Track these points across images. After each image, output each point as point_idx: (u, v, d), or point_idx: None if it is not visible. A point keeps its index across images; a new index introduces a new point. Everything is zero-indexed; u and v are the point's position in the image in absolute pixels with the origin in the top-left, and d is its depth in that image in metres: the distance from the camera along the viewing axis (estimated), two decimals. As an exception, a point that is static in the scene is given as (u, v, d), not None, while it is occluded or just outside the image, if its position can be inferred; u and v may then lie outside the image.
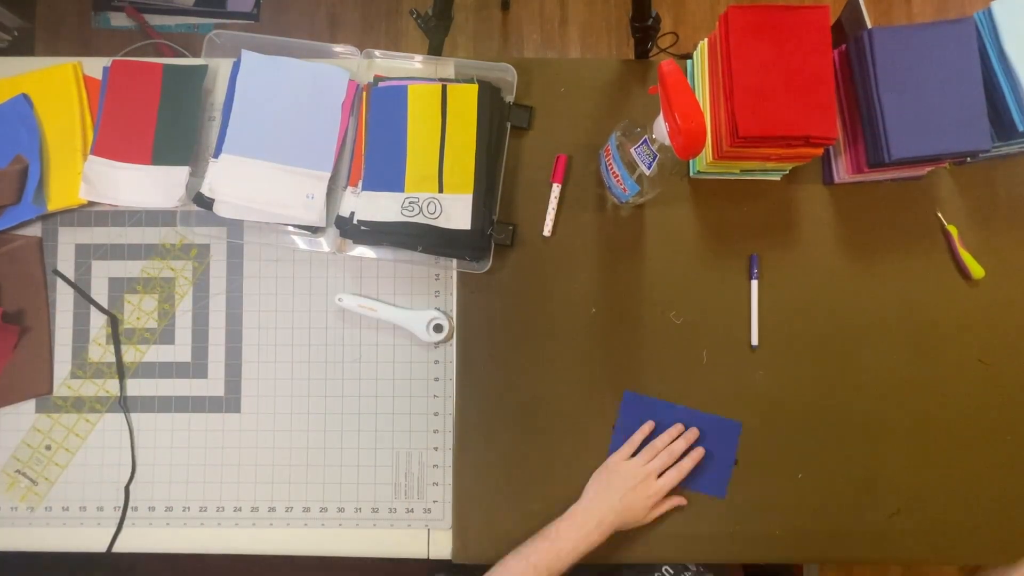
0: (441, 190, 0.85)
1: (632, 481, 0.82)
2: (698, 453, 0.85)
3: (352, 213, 0.86)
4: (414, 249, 0.87)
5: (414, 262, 0.89)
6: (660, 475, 0.83)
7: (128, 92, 0.90)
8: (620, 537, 0.86)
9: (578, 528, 0.80)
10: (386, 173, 0.86)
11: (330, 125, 0.89)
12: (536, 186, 0.90)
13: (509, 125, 0.89)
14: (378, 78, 0.90)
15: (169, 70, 0.90)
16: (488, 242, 0.87)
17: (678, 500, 0.85)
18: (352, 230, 0.86)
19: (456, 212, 0.84)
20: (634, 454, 0.85)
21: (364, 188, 0.86)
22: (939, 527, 0.87)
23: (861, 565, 1.65)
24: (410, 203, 0.84)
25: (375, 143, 0.87)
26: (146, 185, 0.89)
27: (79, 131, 0.90)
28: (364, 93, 0.89)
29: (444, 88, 0.87)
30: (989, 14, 0.80)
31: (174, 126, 0.89)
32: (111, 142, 0.89)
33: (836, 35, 0.84)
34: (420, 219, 0.84)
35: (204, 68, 0.91)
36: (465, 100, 0.86)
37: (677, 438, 0.85)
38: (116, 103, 0.90)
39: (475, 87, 0.86)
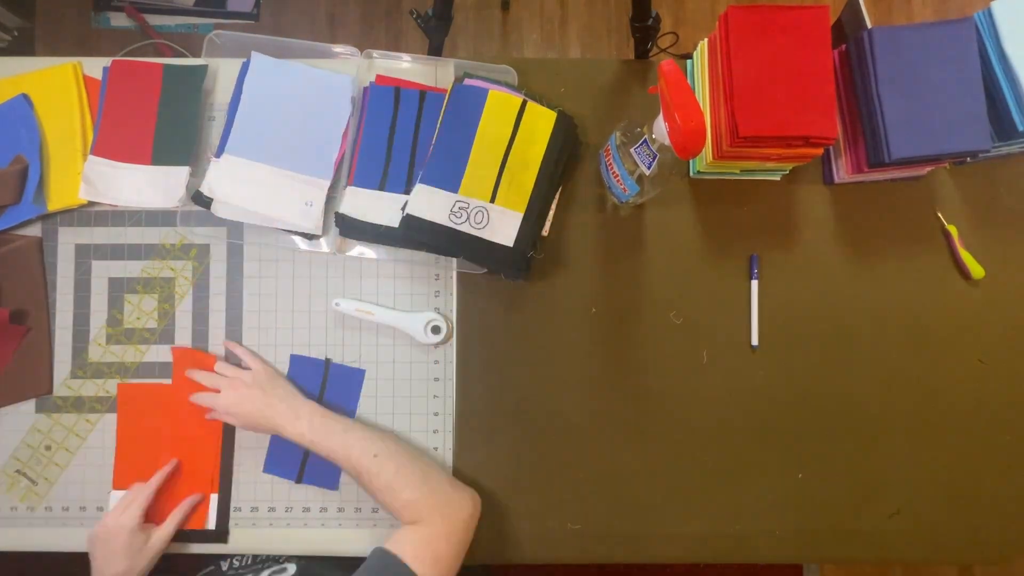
0: (493, 200, 0.84)
1: (107, 539, 0.79)
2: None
3: (345, 212, 0.86)
4: (455, 256, 0.87)
5: (414, 262, 0.89)
6: None
7: (128, 92, 0.90)
8: (620, 537, 0.86)
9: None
10: (447, 170, 0.84)
11: (334, 134, 0.89)
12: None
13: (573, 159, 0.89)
14: (378, 79, 0.90)
15: (169, 70, 0.90)
16: (528, 263, 0.86)
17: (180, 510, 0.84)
18: (406, 222, 0.83)
19: (503, 227, 0.83)
20: None
21: (422, 182, 0.84)
22: (939, 527, 0.87)
23: (861, 565, 1.66)
24: (460, 207, 0.83)
25: (442, 139, 0.85)
26: (146, 185, 0.89)
27: (79, 131, 0.90)
28: (365, 94, 0.89)
29: (524, 103, 0.86)
30: (989, 14, 0.80)
31: (174, 126, 0.89)
32: (111, 142, 0.89)
33: (836, 35, 0.84)
34: (466, 228, 0.82)
35: (204, 68, 0.91)
36: (540, 122, 0.85)
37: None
38: (116, 103, 0.90)
39: (553, 115, 0.86)
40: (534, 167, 0.85)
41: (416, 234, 0.83)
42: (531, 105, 0.86)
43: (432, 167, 0.84)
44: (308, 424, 0.79)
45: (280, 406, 0.81)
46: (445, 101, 0.87)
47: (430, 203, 0.83)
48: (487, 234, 0.83)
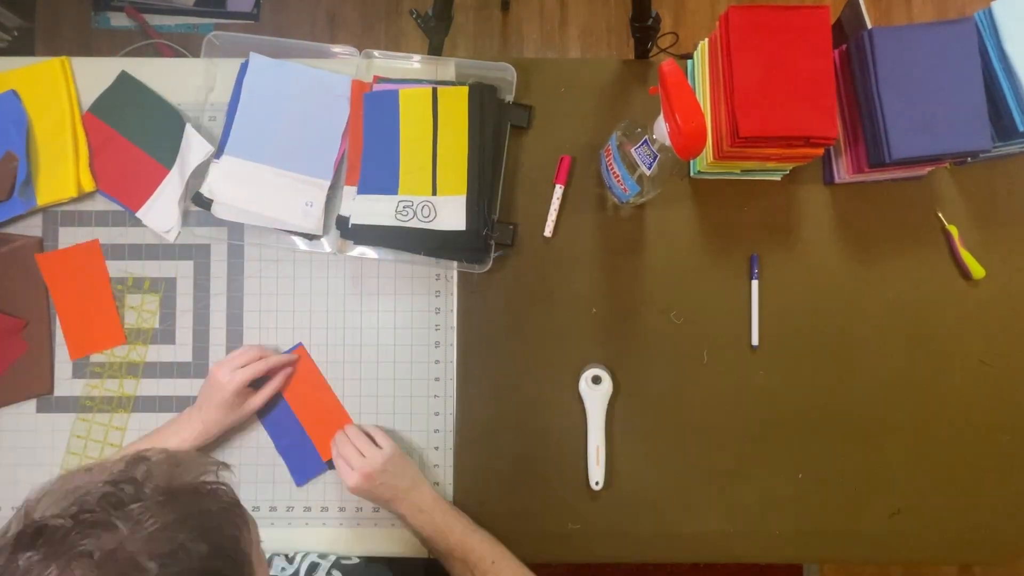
0: (435, 192, 0.85)
1: (213, 389, 0.82)
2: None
3: (347, 216, 0.86)
4: (416, 252, 0.87)
5: (415, 262, 0.89)
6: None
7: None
8: (620, 538, 0.86)
9: (194, 431, 0.82)
10: (380, 177, 0.86)
11: (333, 133, 0.89)
12: (537, 186, 0.90)
13: (509, 125, 0.89)
14: (377, 79, 0.90)
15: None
16: (486, 243, 0.86)
17: (275, 385, 0.86)
18: (352, 232, 0.86)
19: (450, 214, 0.84)
20: None
21: (360, 192, 0.86)
22: (939, 527, 0.87)
23: (861, 565, 1.66)
24: (404, 207, 0.84)
25: (369, 148, 0.87)
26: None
27: (69, 126, 0.90)
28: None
29: (434, 91, 0.87)
30: (989, 14, 0.80)
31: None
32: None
33: (836, 35, 0.84)
34: (415, 223, 0.83)
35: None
36: (456, 102, 0.86)
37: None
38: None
39: (465, 89, 0.86)
40: (464, 147, 0.85)
41: (367, 239, 0.85)
42: (442, 90, 0.87)
43: (366, 177, 0.86)
44: (430, 518, 0.80)
45: (406, 495, 0.81)
46: (361, 111, 0.88)
47: (373, 210, 0.84)
48: (438, 224, 0.84)
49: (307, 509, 0.87)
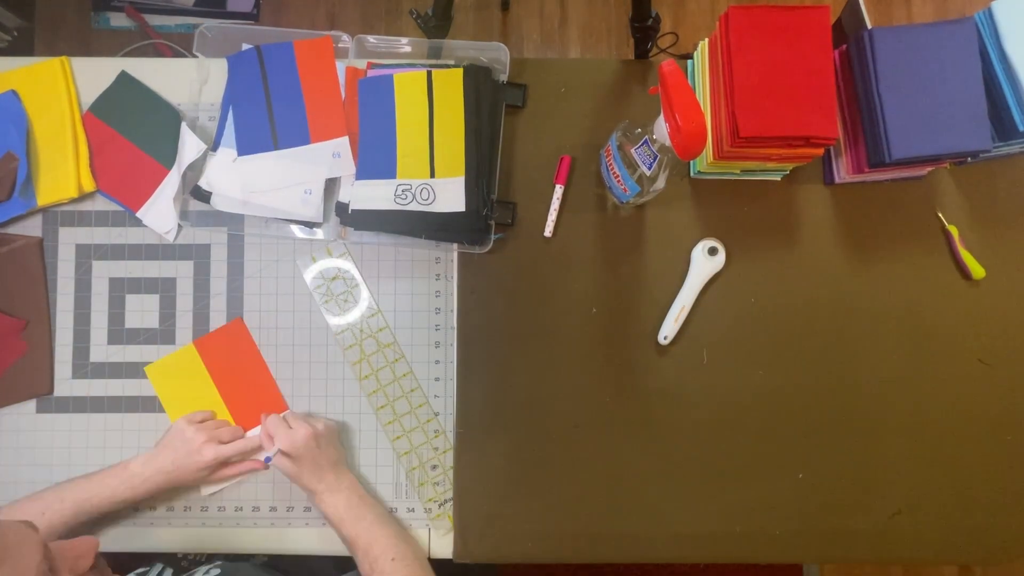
0: (433, 175, 0.85)
1: (187, 447, 0.81)
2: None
3: (346, 201, 0.86)
4: (416, 236, 0.87)
5: (415, 245, 0.89)
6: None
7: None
8: (620, 537, 0.86)
9: (124, 480, 0.80)
10: (378, 162, 0.86)
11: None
12: (536, 186, 0.90)
13: (504, 105, 0.89)
14: (371, 65, 0.90)
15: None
16: (486, 223, 0.86)
17: (242, 468, 0.85)
18: (352, 218, 0.86)
19: (450, 195, 0.84)
20: None
21: (358, 177, 0.86)
22: (939, 527, 0.87)
23: (861, 565, 1.66)
24: (403, 190, 0.84)
25: (366, 133, 0.87)
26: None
27: (69, 125, 0.90)
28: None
29: (429, 74, 0.87)
30: (989, 14, 0.80)
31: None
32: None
33: (836, 35, 0.84)
34: (414, 206, 0.84)
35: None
36: (451, 84, 0.86)
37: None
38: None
39: (460, 71, 0.86)
40: (460, 128, 0.85)
41: (367, 224, 0.85)
42: (437, 73, 0.87)
43: (364, 161, 0.86)
44: (345, 501, 0.80)
45: (326, 472, 0.80)
46: (356, 98, 0.88)
47: (372, 195, 0.85)
48: (437, 207, 0.84)
49: (307, 509, 0.87)
